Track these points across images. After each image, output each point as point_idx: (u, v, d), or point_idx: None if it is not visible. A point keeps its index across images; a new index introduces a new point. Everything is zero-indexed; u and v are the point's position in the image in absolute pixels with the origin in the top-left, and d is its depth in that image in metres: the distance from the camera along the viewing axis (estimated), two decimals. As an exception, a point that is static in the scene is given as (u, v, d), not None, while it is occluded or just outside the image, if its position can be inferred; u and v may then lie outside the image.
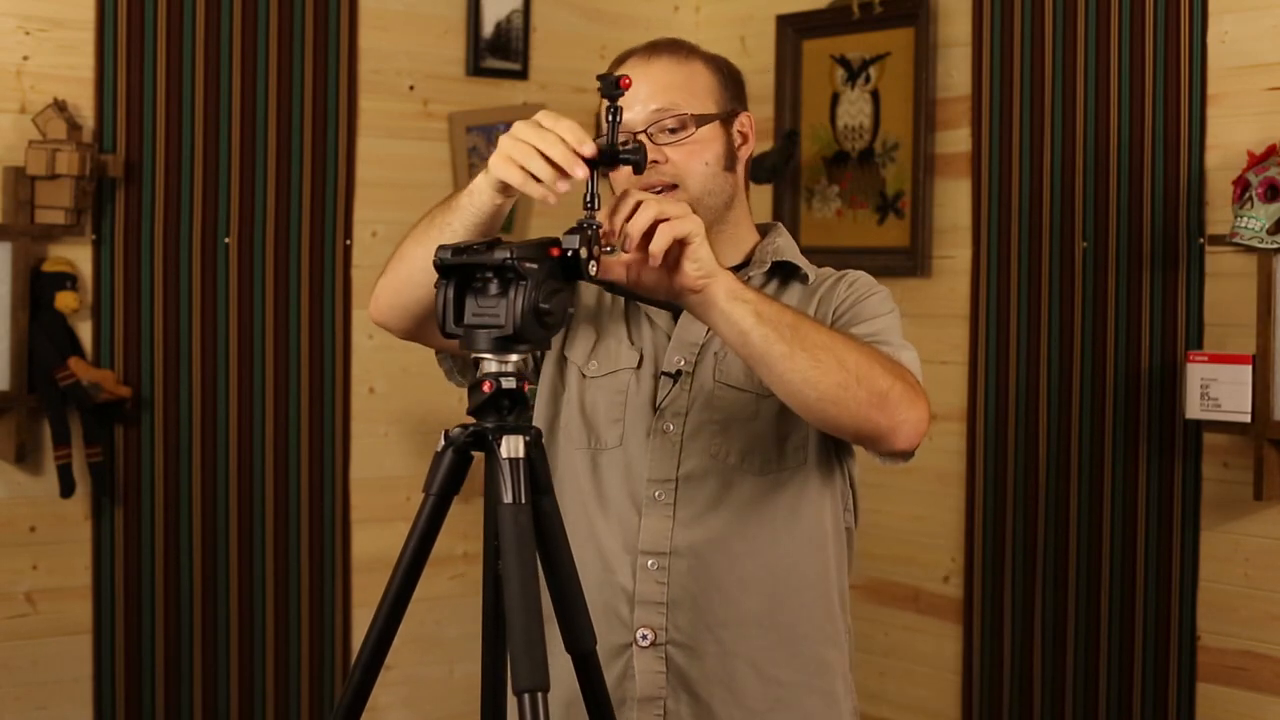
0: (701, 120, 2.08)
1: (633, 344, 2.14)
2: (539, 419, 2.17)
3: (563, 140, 1.79)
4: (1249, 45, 3.44)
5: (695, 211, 1.91)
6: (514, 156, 1.82)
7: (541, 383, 2.19)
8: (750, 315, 1.86)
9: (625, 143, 1.84)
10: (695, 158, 2.08)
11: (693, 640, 2.07)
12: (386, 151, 4.19)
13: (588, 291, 2.19)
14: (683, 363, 2.10)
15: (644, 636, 2.07)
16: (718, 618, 2.07)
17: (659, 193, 2.05)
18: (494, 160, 1.86)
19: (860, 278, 2.17)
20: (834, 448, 2.14)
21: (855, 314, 2.10)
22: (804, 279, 2.16)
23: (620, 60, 2.14)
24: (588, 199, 1.81)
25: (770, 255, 2.16)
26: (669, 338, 2.12)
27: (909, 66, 4.11)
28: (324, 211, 4.08)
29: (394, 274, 2.06)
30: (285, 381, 4.03)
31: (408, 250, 2.03)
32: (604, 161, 1.82)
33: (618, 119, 1.84)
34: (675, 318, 2.13)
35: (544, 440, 2.12)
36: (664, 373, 2.10)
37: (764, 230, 2.24)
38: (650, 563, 2.07)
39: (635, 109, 2.06)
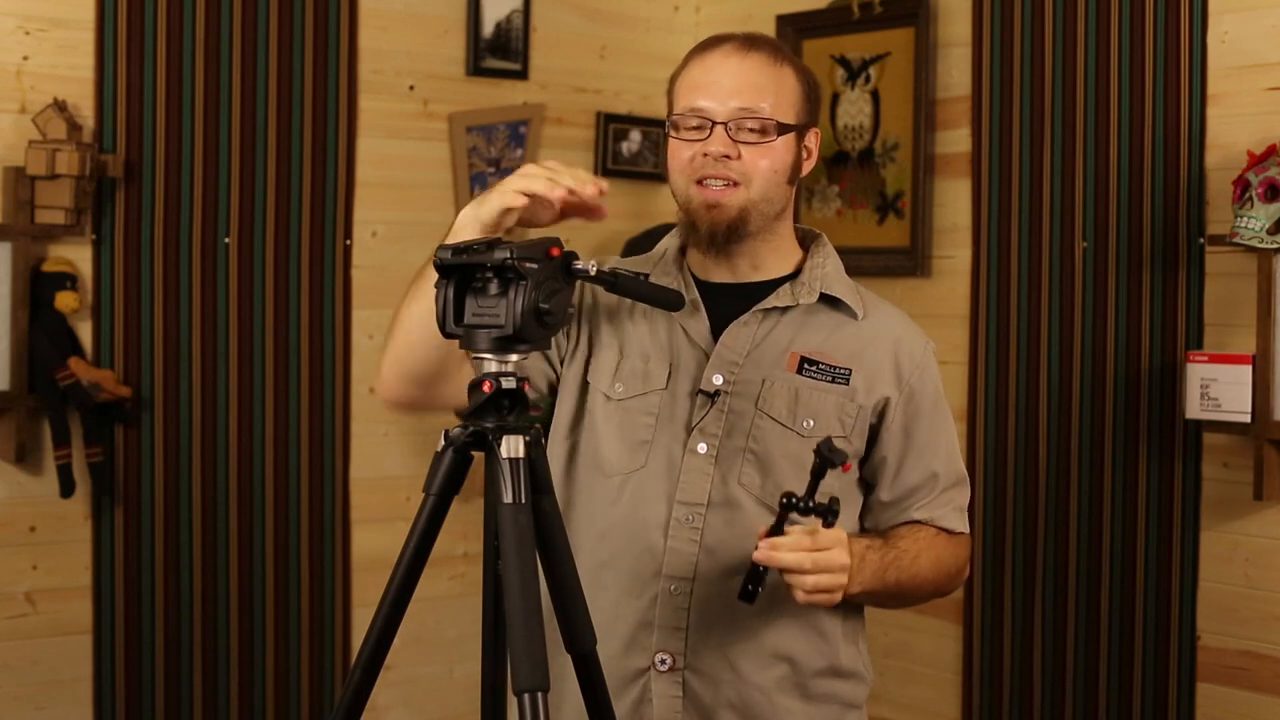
0: (783, 129, 2.07)
1: (662, 361, 2.11)
2: (553, 448, 2.14)
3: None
4: (1249, 45, 3.44)
5: (749, 215, 2.05)
6: (528, 179, 1.94)
7: (559, 410, 2.16)
8: (859, 596, 2.04)
9: (822, 501, 1.90)
10: (766, 160, 2.06)
11: (710, 667, 2.06)
12: (386, 151, 4.19)
13: (608, 311, 2.16)
14: (721, 381, 2.08)
15: (662, 661, 2.06)
16: (735, 646, 2.06)
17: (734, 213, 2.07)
18: (501, 188, 1.95)
19: (924, 358, 2.17)
20: (863, 489, 2.16)
21: (920, 437, 2.13)
22: (852, 313, 2.14)
23: (714, 42, 2.12)
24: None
25: (819, 283, 2.13)
26: (706, 354, 2.09)
27: (909, 66, 4.11)
28: (324, 211, 4.08)
29: (394, 343, 2.06)
30: (285, 381, 4.03)
31: (401, 315, 2.05)
32: (798, 509, 1.89)
33: (820, 478, 1.88)
34: (714, 333, 2.10)
35: (560, 469, 2.11)
36: (701, 391, 2.07)
37: (805, 238, 2.20)
38: (673, 586, 2.05)
39: (721, 99, 2.05)
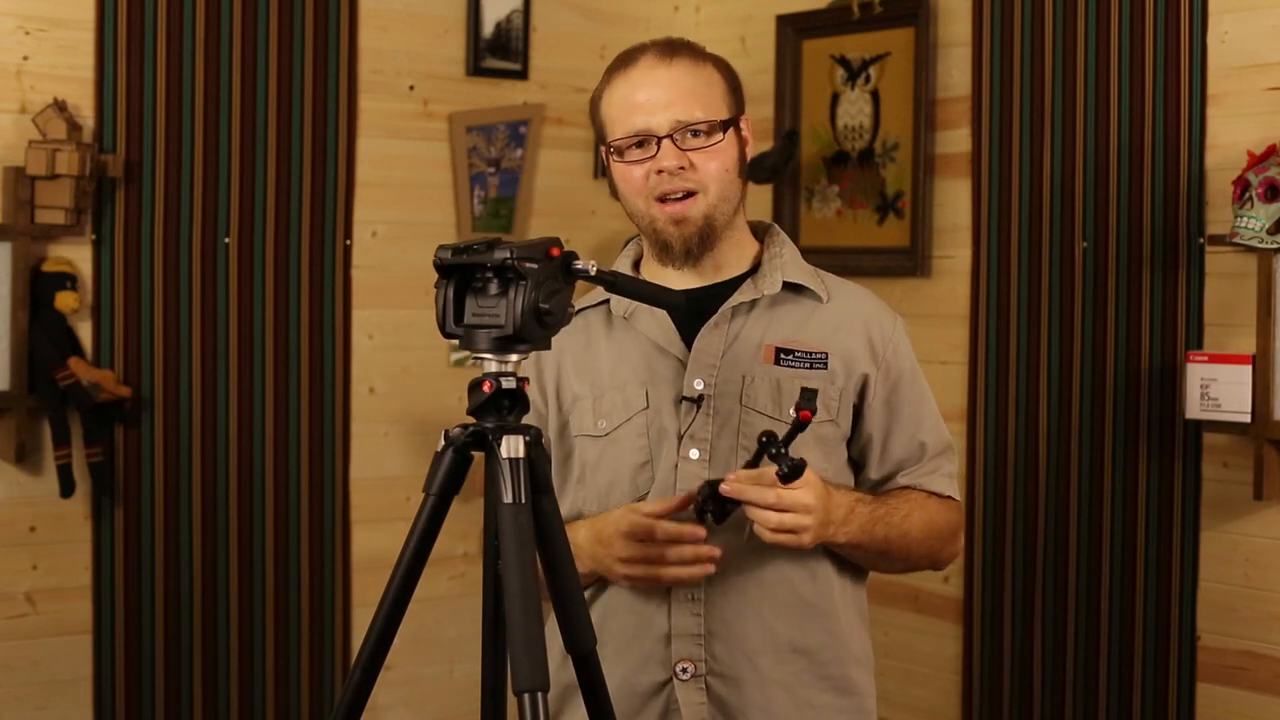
0: (724, 126, 2.08)
1: (638, 383, 2.12)
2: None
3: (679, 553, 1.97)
4: (1249, 45, 3.44)
5: (714, 218, 2.06)
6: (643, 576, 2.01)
7: (555, 484, 2.17)
8: (849, 551, 2.06)
9: (793, 458, 1.92)
10: (716, 162, 2.07)
11: (731, 669, 2.07)
12: (386, 151, 4.19)
13: (574, 366, 2.17)
14: (702, 386, 2.08)
15: (684, 669, 2.07)
16: (753, 645, 2.07)
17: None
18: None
19: (896, 333, 2.17)
20: (855, 474, 2.16)
21: (903, 410, 2.14)
22: (817, 296, 2.15)
23: (632, 56, 2.11)
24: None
25: (779, 272, 2.15)
26: (681, 362, 2.10)
27: (909, 66, 4.11)
28: (324, 211, 4.08)
29: None
30: (285, 381, 4.03)
31: None
32: (769, 453, 1.92)
33: (800, 429, 1.92)
34: (685, 338, 2.11)
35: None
36: (685, 398, 2.08)
37: (758, 231, 2.22)
38: (684, 594, 2.07)
39: (657, 114, 2.05)
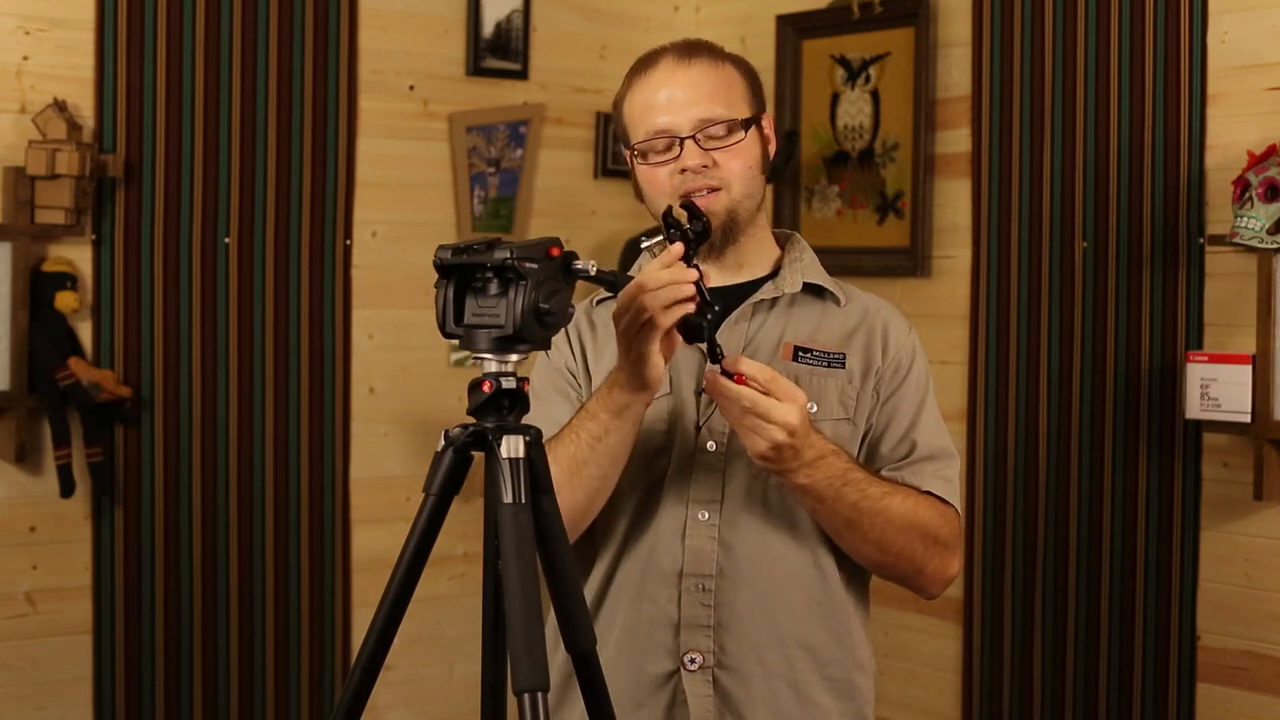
0: (746, 124, 2.09)
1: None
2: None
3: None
4: (1249, 45, 3.44)
5: (737, 214, 2.05)
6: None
7: None
8: (809, 501, 1.98)
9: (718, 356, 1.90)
10: (739, 160, 2.08)
11: (739, 662, 2.07)
12: (386, 151, 4.19)
13: (603, 346, 2.17)
14: None
15: (692, 660, 2.07)
16: (761, 640, 2.07)
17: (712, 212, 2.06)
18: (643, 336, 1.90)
19: (910, 340, 2.17)
20: None
21: (904, 405, 2.12)
22: (835, 299, 2.17)
23: (652, 59, 2.12)
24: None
25: (799, 275, 2.16)
26: (704, 354, 2.11)
27: (909, 66, 4.11)
28: (324, 211, 4.08)
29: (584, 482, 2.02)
30: (285, 381, 4.03)
31: (585, 457, 2.01)
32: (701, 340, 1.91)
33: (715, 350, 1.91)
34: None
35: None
36: (703, 390, 2.08)
37: (780, 239, 2.23)
38: (695, 585, 2.07)
39: (678, 115, 2.06)
